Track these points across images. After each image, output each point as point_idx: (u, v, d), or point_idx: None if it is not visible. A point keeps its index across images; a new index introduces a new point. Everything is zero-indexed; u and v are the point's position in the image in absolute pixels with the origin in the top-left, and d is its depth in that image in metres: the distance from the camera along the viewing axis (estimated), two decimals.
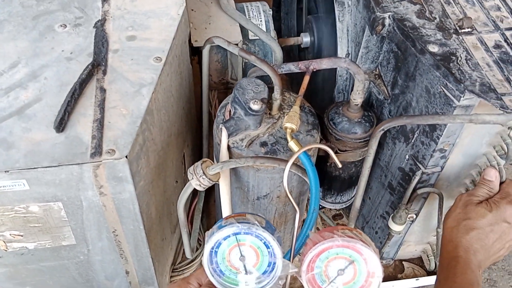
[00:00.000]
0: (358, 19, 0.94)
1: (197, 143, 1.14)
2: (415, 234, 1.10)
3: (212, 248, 0.54)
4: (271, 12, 1.13)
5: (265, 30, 1.10)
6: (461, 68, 0.76)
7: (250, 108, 0.82)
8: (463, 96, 0.75)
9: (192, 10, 1.08)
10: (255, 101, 0.82)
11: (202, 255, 1.12)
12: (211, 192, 1.21)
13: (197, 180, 0.80)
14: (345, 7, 0.98)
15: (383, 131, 0.77)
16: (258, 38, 1.06)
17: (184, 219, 0.88)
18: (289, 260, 0.55)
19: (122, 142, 0.69)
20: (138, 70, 0.77)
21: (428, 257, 1.15)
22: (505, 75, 0.75)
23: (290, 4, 1.42)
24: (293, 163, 0.84)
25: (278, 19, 1.49)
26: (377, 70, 0.98)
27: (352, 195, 1.08)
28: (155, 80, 0.76)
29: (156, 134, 0.79)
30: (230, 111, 0.87)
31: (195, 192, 1.16)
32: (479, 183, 0.86)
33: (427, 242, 1.14)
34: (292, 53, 1.42)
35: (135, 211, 0.76)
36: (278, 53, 1.01)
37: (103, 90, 0.74)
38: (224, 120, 0.86)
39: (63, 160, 0.66)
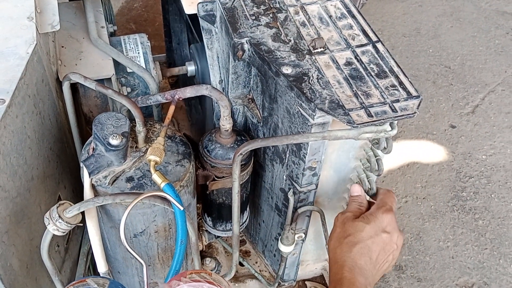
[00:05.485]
0: (224, 46, 0.94)
1: (79, 183, 1.08)
2: (311, 252, 1.10)
3: None
4: (149, 44, 1.12)
5: (143, 62, 1.09)
6: (312, 88, 0.77)
7: (109, 144, 0.80)
8: (316, 115, 0.77)
9: (63, 47, 1.04)
10: (114, 135, 0.80)
11: None
12: None
13: (53, 225, 0.75)
14: (212, 35, 0.98)
15: (241, 155, 0.77)
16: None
17: (53, 267, 0.83)
18: None
19: None
20: None
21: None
22: (353, 91, 0.77)
23: (180, 34, 1.42)
24: (161, 197, 0.82)
25: (171, 50, 1.49)
26: (250, 94, 0.98)
27: (244, 220, 1.07)
28: None
29: (5, 181, 0.75)
30: (93, 148, 0.84)
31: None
32: (349, 200, 0.87)
33: (325, 259, 1.15)
34: (188, 83, 1.41)
35: None
36: (152, 84, 1.00)
37: None
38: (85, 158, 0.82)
39: None
